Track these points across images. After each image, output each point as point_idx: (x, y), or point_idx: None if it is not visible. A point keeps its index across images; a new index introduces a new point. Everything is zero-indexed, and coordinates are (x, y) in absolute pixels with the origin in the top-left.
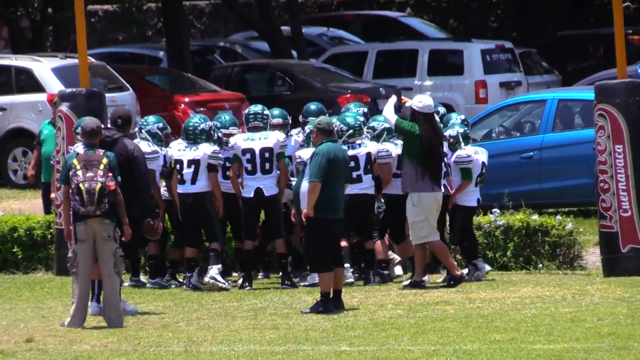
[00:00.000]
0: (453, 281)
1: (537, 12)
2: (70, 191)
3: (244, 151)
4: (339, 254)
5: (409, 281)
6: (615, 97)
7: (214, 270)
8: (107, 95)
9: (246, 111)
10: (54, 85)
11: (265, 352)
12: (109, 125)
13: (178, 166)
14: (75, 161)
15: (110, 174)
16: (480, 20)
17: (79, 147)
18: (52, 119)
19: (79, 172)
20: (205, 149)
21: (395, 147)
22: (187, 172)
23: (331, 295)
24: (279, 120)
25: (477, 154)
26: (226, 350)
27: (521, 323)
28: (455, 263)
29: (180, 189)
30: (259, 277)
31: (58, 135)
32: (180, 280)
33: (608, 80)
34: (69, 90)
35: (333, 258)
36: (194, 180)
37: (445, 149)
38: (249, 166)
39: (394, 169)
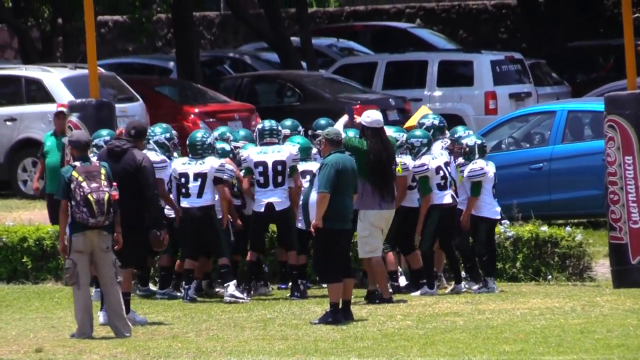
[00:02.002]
0: (378, 300)
1: (547, 23)
2: (74, 204)
3: (257, 164)
4: (348, 265)
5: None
6: (625, 109)
7: (230, 288)
8: (117, 105)
9: (260, 127)
10: (64, 96)
11: None
12: (121, 136)
13: (183, 180)
14: (75, 173)
15: (114, 184)
16: (490, 32)
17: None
18: (54, 131)
19: (84, 184)
20: (212, 163)
21: (412, 161)
22: (193, 185)
23: (340, 306)
24: (287, 132)
25: (488, 165)
26: None
27: (530, 334)
28: (388, 286)
29: (186, 203)
30: (269, 289)
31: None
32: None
33: (618, 91)
34: (78, 100)
35: (342, 269)
36: (200, 194)
37: (447, 155)
38: (262, 179)
39: (409, 182)
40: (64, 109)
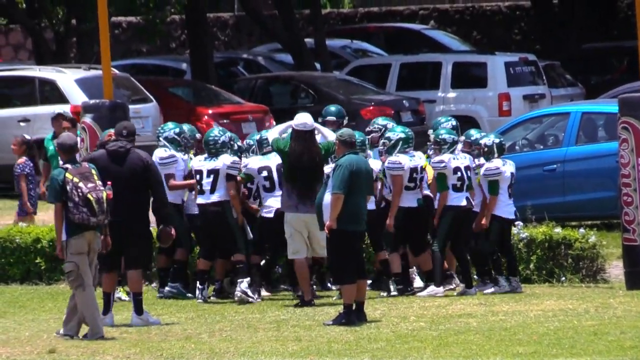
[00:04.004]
0: (301, 303)
1: (561, 25)
2: (72, 205)
3: (260, 169)
4: (361, 266)
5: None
6: (639, 110)
7: (243, 284)
8: (131, 106)
9: (257, 137)
10: (78, 97)
11: None
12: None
13: (198, 176)
14: (69, 175)
15: (109, 183)
16: (504, 33)
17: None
18: (54, 134)
19: (81, 185)
20: (224, 160)
21: (408, 159)
22: (207, 181)
23: (354, 307)
24: (332, 119)
25: (505, 165)
26: None
27: (544, 336)
28: (313, 288)
29: (201, 199)
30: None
31: (81, 146)
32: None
33: (632, 93)
34: (92, 101)
35: (356, 270)
36: (212, 190)
37: (470, 160)
38: (267, 184)
39: (405, 181)
40: (63, 112)
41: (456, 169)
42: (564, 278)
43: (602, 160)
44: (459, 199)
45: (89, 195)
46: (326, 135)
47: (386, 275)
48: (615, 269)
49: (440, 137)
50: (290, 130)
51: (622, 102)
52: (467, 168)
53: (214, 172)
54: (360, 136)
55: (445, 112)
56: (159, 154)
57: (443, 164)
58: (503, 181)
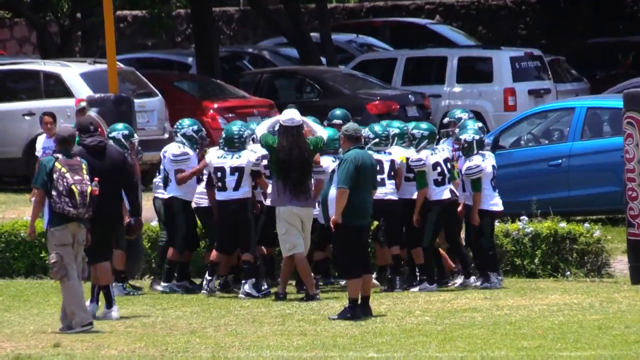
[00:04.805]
0: (307, 298)
1: (567, 19)
2: (55, 194)
3: (266, 167)
4: (367, 261)
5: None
6: None
7: (247, 286)
8: (136, 100)
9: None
10: (83, 91)
11: (293, 358)
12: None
13: (219, 174)
14: (58, 164)
15: (96, 179)
16: (510, 28)
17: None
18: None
19: (68, 175)
20: (248, 156)
21: (405, 151)
22: (230, 179)
23: (359, 302)
24: (339, 122)
25: (485, 160)
26: (254, 356)
27: (548, 330)
28: (314, 282)
29: (221, 196)
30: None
31: None
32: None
33: (637, 88)
34: (97, 95)
35: (361, 264)
36: (237, 187)
37: (449, 151)
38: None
39: (404, 172)
40: (85, 105)
41: (435, 165)
42: (568, 272)
43: (607, 155)
44: (441, 193)
45: (73, 187)
46: (315, 130)
47: (394, 271)
48: (620, 264)
49: (411, 133)
50: (277, 125)
51: (627, 97)
52: (446, 160)
53: (239, 170)
54: (383, 130)
55: (451, 107)
56: (172, 150)
57: (422, 162)
58: (485, 177)
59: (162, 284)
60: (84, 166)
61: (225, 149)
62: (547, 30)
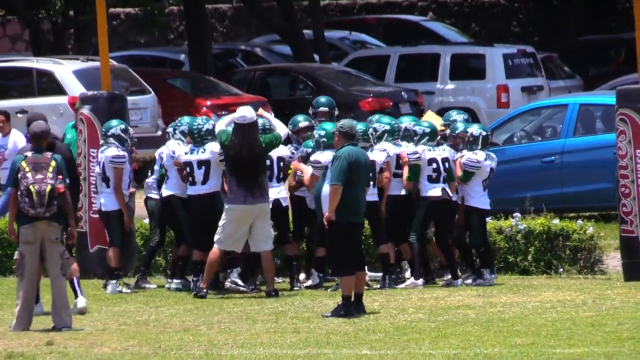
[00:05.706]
0: (197, 294)
1: (559, 16)
2: (19, 193)
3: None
4: (361, 258)
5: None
6: (636, 102)
7: (233, 275)
8: (129, 98)
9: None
10: (75, 88)
11: (287, 356)
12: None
13: (188, 168)
14: (24, 163)
15: (59, 177)
16: (502, 25)
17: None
18: (75, 123)
19: (29, 174)
20: (212, 148)
21: (394, 147)
22: (198, 173)
23: (352, 299)
24: (325, 109)
25: (488, 160)
26: (247, 353)
27: (542, 327)
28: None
29: (192, 191)
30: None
31: (80, 138)
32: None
33: (630, 85)
34: (90, 93)
35: (355, 262)
36: (204, 181)
37: (450, 152)
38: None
39: (393, 168)
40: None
41: (432, 160)
42: (561, 269)
43: (599, 151)
44: (433, 190)
45: (30, 187)
46: (275, 126)
47: (384, 268)
48: (613, 260)
49: (412, 129)
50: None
51: (619, 93)
52: (445, 160)
53: (205, 163)
54: (366, 127)
55: (443, 104)
56: (172, 147)
57: (417, 155)
58: (480, 175)
59: (175, 281)
60: (53, 163)
61: (192, 143)
62: (539, 27)
